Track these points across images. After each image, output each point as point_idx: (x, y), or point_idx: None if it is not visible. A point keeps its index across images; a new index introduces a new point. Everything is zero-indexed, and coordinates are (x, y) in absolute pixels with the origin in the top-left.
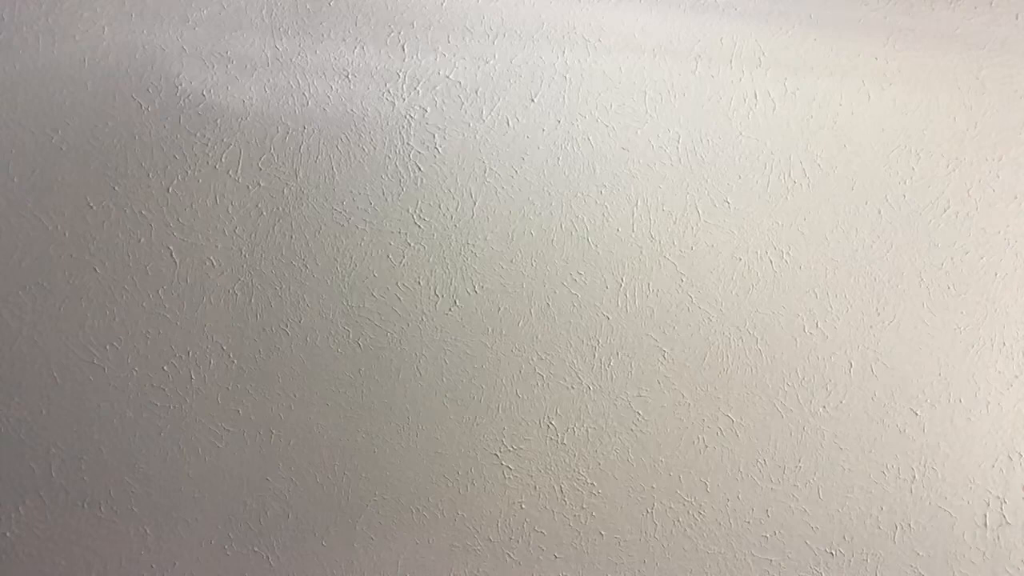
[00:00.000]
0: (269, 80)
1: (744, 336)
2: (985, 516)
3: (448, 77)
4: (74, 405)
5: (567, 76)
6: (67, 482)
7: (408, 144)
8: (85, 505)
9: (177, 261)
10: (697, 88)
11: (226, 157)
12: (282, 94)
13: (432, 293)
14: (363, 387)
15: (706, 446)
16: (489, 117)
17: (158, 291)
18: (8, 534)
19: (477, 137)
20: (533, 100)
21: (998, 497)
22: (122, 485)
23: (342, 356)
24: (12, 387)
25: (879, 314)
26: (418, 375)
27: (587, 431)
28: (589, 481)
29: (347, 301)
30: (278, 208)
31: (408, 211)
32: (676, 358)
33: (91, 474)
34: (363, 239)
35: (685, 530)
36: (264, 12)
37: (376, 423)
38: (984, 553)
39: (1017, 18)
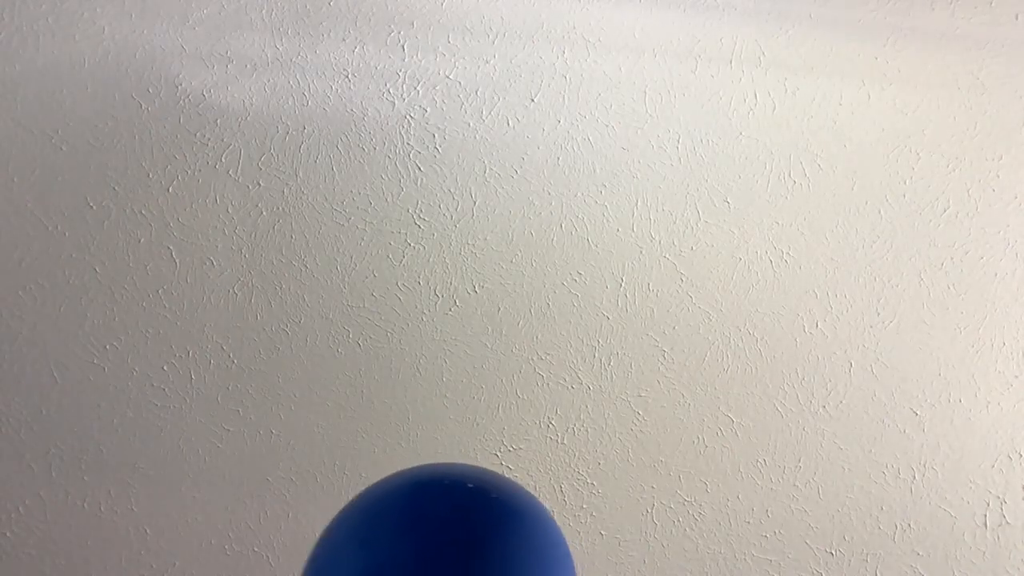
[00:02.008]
0: (269, 80)
1: (744, 336)
2: (985, 516)
3: (448, 77)
4: (74, 405)
5: (567, 76)
6: (67, 482)
7: (408, 144)
8: (85, 505)
9: (177, 261)
10: (697, 88)
11: (226, 157)
12: (282, 94)
13: (432, 293)
14: (363, 387)
15: (706, 446)
16: (489, 117)
17: (158, 291)
18: (8, 534)
19: (477, 137)
20: (533, 100)
21: (998, 497)
22: (122, 485)
23: (342, 356)
24: (12, 387)
25: (879, 314)
26: (418, 375)
27: (587, 431)
28: (589, 481)
29: (347, 301)
30: (278, 208)
31: (408, 211)
32: (676, 358)
33: (91, 474)
34: (363, 239)
35: (685, 530)
36: (264, 12)
37: (376, 423)
38: (984, 553)
39: (1017, 18)
